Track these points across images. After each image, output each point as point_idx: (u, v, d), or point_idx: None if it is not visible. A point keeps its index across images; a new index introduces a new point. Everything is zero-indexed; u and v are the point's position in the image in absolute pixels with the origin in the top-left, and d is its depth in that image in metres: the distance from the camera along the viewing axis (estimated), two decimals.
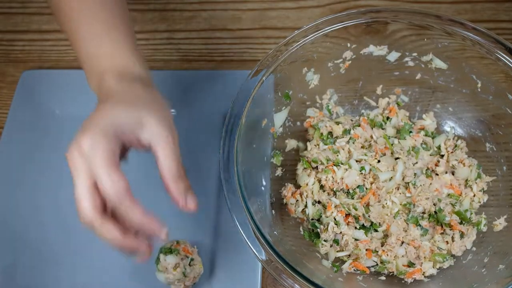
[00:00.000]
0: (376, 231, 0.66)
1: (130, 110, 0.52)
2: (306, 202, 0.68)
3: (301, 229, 0.68)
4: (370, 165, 0.68)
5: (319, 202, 0.68)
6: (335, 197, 0.67)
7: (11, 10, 0.93)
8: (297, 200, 0.69)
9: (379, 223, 0.65)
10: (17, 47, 0.90)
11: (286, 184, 0.70)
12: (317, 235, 0.67)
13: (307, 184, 0.69)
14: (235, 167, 0.60)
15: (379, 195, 0.67)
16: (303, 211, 0.68)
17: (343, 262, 0.65)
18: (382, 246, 0.65)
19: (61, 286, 0.69)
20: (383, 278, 0.64)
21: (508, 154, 0.68)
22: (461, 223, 0.65)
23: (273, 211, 0.66)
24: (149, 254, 0.52)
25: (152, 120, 0.52)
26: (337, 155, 0.69)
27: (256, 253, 0.56)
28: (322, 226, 0.67)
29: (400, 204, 0.67)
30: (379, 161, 0.68)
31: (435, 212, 0.66)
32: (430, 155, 0.69)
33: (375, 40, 0.68)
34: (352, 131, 0.70)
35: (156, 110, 0.53)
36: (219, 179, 0.60)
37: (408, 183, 0.67)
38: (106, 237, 0.49)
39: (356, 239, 0.65)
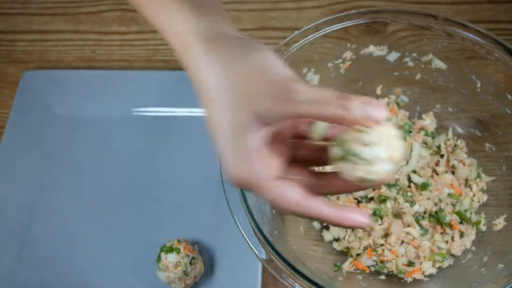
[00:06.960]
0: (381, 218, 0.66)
1: None
2: None
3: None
4: None
5: None
6: None
7: (12, 10, 0.93)
8: None
9: (381, 217, 0.66)
10: (18, 47, 0.90)
11: None
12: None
13: None
14: None
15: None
16: None
17: (346, 257, 0.65)
18: (381, 245, 0.65)
19: (61, 285, 0.69)
20: (383, 277, 0.65)
21: (507, 154, 0.68)
22: (461, 223, 0.66)
23: (273, 210, 0.66)
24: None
25: None
26: None
27: (257, 253, 0.57)
28: None
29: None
30: None
31: (436, 212, 0.66)
32: (430, 154, 0.70)
33: (375, 40, 0.68)
34: None
35: None
36: (219, 179, 0.60)
37: (410, 182, 0.68)
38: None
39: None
